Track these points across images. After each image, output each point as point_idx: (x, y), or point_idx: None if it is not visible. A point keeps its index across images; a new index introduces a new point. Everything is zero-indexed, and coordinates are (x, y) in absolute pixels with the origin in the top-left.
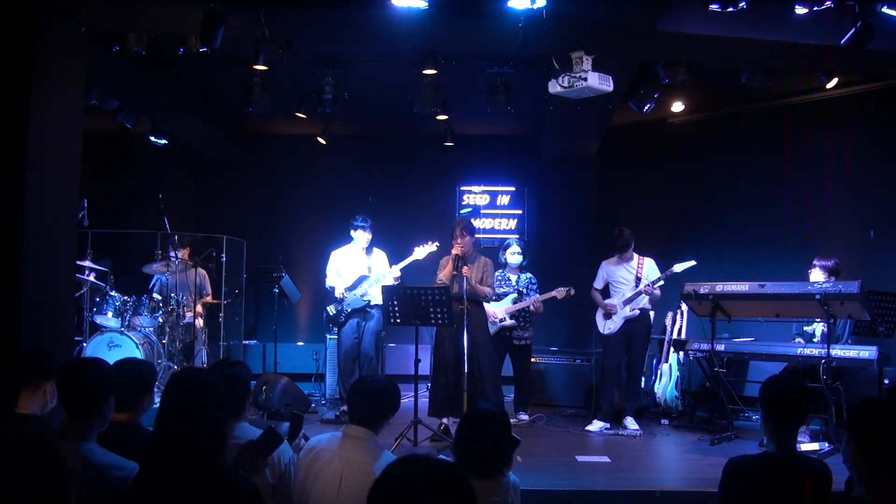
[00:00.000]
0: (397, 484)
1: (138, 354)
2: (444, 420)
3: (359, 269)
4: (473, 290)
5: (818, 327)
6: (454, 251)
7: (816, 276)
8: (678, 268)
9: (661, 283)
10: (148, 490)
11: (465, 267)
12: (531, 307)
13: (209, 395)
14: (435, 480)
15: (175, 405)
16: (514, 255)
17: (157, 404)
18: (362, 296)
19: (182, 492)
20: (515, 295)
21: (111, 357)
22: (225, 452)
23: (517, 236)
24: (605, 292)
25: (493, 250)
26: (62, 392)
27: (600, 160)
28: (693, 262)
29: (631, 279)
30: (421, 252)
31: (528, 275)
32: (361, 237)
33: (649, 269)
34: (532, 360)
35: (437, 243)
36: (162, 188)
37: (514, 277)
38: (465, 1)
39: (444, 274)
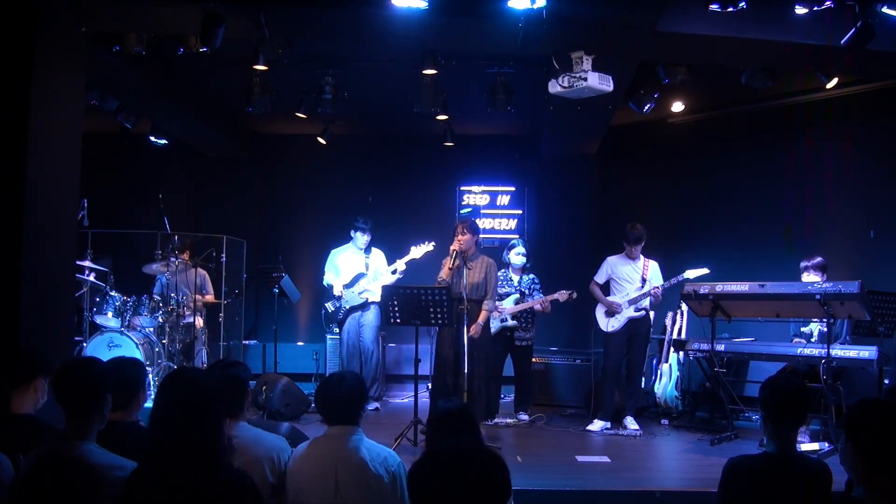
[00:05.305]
0: (437, 469)
1: (138, 354)
2: None
3: (357, 268)
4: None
5: (815, 327)
6: (453, 247)
7: (811, 278)
8: (690, 274)
9: (667, 286)
10: (145, 488)
11: (467, 269)
12: (539, 307)
13: (201, 392)
14: (472, 465)
15: (168, 403)
16: (518, 256)
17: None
18: (360, 293)
19: (179, 489)
20: (517, 296)
21: (111, 357)
22: (222, 449)
23: (518, 236)
24: (605, 288)
25: (493, 250)
26: (60, 393)
27: (600, 160)
28: (706, 270)
29: (637, 278)
30: (417, 251)
31: (531, 276)
32: (360, 239)
33: (654, 271)
34: (533, 359)
35: (433, 243)
36: (162, 188)
37: (516, 278)
38: (465, 1)
39: (443, 272)
